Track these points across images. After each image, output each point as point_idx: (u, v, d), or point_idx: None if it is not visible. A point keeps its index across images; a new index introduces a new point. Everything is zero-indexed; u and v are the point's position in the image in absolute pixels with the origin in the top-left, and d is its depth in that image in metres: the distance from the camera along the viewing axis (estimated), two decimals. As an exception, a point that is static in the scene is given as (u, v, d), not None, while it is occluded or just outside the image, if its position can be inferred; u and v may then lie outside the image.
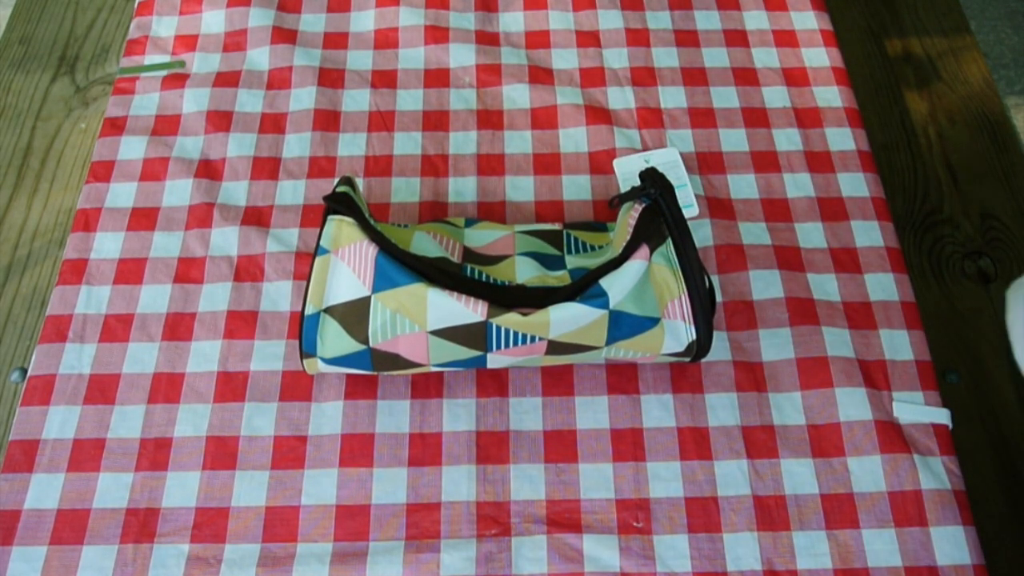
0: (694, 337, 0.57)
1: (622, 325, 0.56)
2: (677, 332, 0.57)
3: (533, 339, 0.55)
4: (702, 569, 0.55)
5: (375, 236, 0.57)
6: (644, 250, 0.57)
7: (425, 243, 0.61)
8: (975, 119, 0.78)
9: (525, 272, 0.60)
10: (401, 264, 0.56)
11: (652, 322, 0.56)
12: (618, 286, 0.56)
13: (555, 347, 0.56)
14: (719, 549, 0.56)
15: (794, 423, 0.60)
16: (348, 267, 0.57)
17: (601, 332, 0.56)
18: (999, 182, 0.74)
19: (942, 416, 0.60)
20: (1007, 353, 0.65)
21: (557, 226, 0.66)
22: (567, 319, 0.55)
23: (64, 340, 0.64)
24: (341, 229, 0.57)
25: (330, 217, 0.58)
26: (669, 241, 0.58)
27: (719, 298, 0.65)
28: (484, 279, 0.59)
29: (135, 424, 0.60)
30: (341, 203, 0.58)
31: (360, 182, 0.72)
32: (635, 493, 0.58)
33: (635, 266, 0.56)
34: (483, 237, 0.64)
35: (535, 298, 0.57)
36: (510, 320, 0.55)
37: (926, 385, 0.62)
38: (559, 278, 0.59)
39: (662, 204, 0.59)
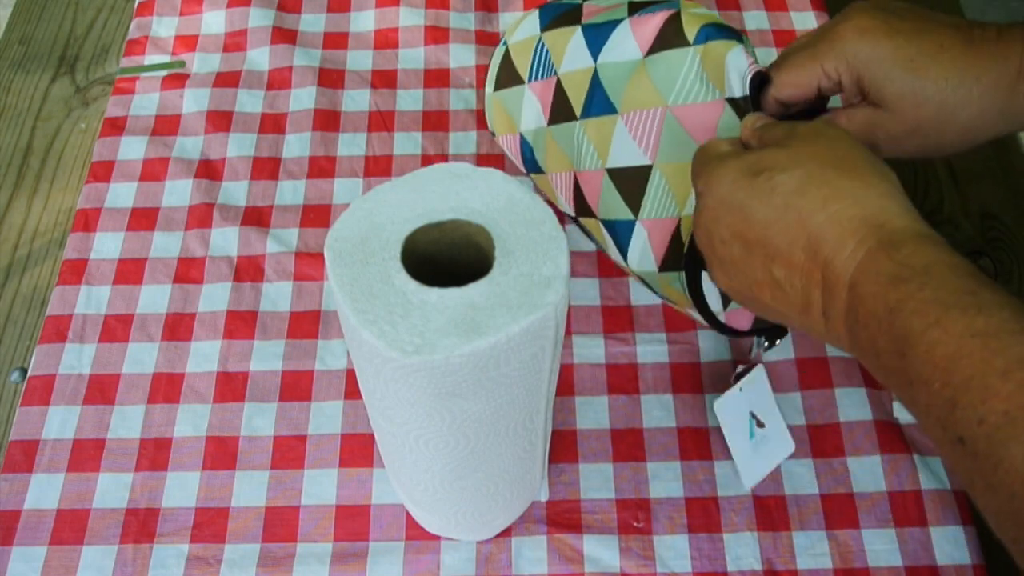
0: None
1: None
2: None
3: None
4: (702, 569, 0.55)
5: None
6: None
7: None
8: (975, 119, 0.78)
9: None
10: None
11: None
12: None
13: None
14: (719, 549, 0.56)
15: (794, 423, 0.60)
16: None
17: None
18: (999, 182, 0.74)
19: (942, 416, 0.60)
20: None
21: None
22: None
23: (64, 340, 0.64)
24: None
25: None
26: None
27: None
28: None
29: (135, 424, 0.60)
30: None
31: (360, 182, 0.72)
32: (635, 493, 0.58)
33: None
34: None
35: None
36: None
37: (926, 385, 0.62)
38: None
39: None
